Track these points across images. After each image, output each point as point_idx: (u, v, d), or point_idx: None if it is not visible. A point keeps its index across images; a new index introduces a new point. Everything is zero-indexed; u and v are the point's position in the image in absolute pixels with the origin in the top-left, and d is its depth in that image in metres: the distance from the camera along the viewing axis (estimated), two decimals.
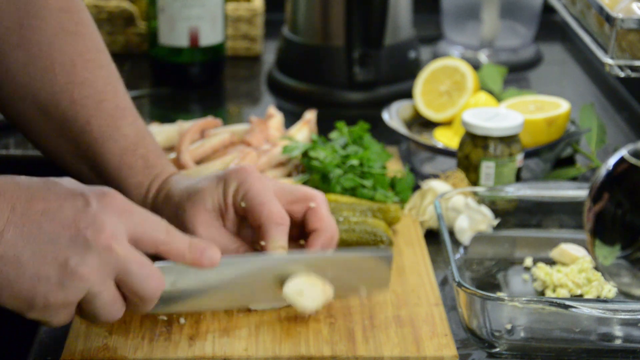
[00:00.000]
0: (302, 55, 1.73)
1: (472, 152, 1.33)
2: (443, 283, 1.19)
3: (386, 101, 1.60)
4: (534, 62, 1.92)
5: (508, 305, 1.05)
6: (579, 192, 1.27)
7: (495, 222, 1.27)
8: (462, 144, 1.35)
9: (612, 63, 1.26)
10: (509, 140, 1.33)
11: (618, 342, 1.07)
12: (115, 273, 0.93)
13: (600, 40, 1.31)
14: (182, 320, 1.08)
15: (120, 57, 1.85)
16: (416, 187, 1.36)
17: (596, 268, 1.17)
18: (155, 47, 1.74)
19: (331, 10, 1.69)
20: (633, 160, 1.11)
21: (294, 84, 1.73)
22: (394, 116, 1.51)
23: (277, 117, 1.44)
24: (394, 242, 1.23)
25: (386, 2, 1.64)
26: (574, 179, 1.43)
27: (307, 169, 1.33)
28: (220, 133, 1.40)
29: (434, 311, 1.11)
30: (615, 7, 1.25)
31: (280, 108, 1.54)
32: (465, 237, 1.25)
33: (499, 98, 1.57)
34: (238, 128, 1.42)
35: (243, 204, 1.10)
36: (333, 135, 1.38)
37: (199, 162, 1.37)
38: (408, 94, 1.63)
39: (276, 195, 1.11)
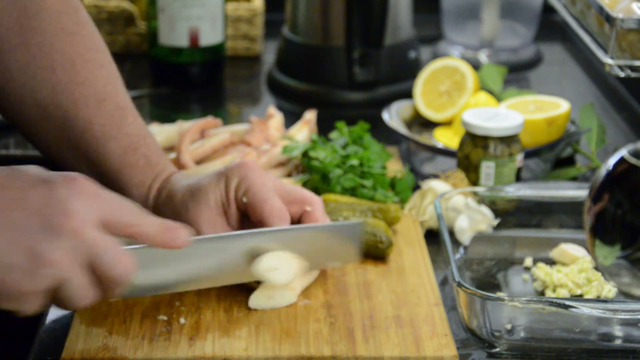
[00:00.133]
0: (302, 55, 1.73)
1: (472, 152, 1.33)
2: (443, 283, 1.19)
3: (386, 101, 1.60)
4: (534, 62, 1.92)
5: (508, 305, 1.05)
6: (579, 192, 1.27)
7: (495, 222, 1.27)
8: (462, 144, 1.35)
9: (612, 63, 1.26)
10: (509, 140, 1.33)
11: (618, 342, 1.07)
12: (85, 258, 0.92)
13: (600, 40, 1.31)
14: (182, 320, 1.08)
15: (120, 57, 1.85)
16: (416, 187, 1.36)
17: (596, 268, 1.17)
18: (155, 47, 1.74)
19: (331, 10, 1.69)
20: (633, 160, 1.11)
21: (294, 84, 1.73)
22: (394, 116, 1.51)
23: (277, 117, 1.44)
24: (394, 242, 1.23)
25: (386, 2, 1.64)
26: (574, 179, 1.43)
27: (307, 169, 1.33)
28: (220, 133, 1.40)
29: (434, 311, 1.11)
30: (615, 7, 1.25)
31: (280, 108, 1.54)
32: (465, 237, 1.25)
33: (499, 98, 1.57)
34: (238, 128, 1.42)
35: (245, 200, 1.10)
36: (333, 135, 1.38)
37: (199, 162, 1.37)
38: (408, 94, 1.63)
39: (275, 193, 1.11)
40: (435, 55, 1.88)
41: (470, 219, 1.26)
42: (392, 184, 1.33)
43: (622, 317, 1.04)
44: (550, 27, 2.05)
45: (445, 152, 1.44)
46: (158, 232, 0.97)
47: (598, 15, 1.30)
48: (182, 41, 1.72)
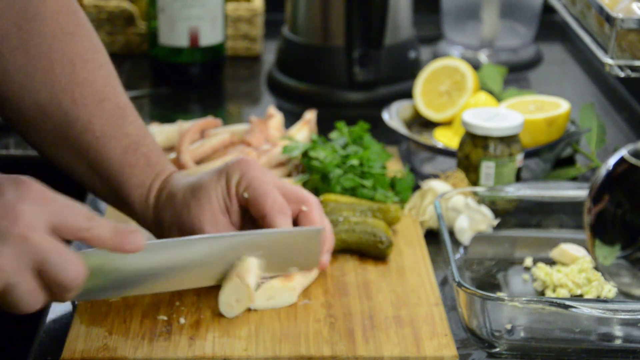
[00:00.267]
0: (302, 55, 1.73)
1: (472, 152, 1.33)
2: (443, 283, 1.19)
3: (386, 101, 1.60)
4: (534, 62, 1.92)
5: (508, 305, 1.05)
6: (579, 192, 1.27)
7: (495, 222, 1.27)
8: (462, 144, 1.35)
9: (612, 63, 1.26)
10: (509, 140, 1.33)
11: (618, 342, 1.07)
12: (33, 263, 0.92)
13: (600, 40, 1.31)
14: (182, 320, 1.08)
15: (120, 57, 1.85)
16: (416, 187, 1.36)
17: (596, 268, 1.17)
18: (155, 47, 1.74)
19: (331, 10, 1.69)
20: (633, 160, 1.11)
21: (294, 84, 1.73)
22: (394, 116, 1.51)
23: (277, 117, 1.44)
24: (394, 242, 1.23)
25: (386, 2, 1.64)
26: (574, 179, 1.43)
27: (307, 169, 1.33)
28: (220, 133, 1.40)
29: (434, 311, 1.11)
30: (615, 7, 1.25)
31: (280, 108, 1.54)
32: (465, 237, 1.25)
33: (499, 98, 1.57)
34: (238, 128, 1.42)
35: (246, 195, 1.11)
36: (333, 135, 1.38)
37: (199, 162, 1.37)
38: (408, 94, 1.63)
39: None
40: (435, 55, 1.88)
41: (470, 219, 1.26)
42: (392, 184, 1.33)
43: (622, 317, 1.04)
44: (550, 27, 2.05)
45: (445, 152, 1.44)
46: (110, 235, 0.97)
47: (598, 15, 1.30)
48: (182, 41, 1.72)
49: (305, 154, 1.34)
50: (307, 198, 1.13)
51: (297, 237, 1.10)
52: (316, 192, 1.31)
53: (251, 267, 1.08)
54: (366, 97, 1.70)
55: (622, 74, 1.26)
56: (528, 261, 1.23)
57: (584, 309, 1.03)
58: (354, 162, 1.31)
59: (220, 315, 1.09)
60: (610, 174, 1.12)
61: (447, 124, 1.53)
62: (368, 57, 1.68)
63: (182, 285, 1.10)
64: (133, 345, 1.04)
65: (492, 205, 1.28)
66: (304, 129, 1.44)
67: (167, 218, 1.14)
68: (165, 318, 1.08)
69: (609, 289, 1.16)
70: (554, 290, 1.16)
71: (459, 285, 1.06)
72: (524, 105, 1.46)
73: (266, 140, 1.40)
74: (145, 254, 1.01)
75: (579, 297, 1.15)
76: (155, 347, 1.04)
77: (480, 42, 1.89)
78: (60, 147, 1.15)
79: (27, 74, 1.12)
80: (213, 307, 1.10)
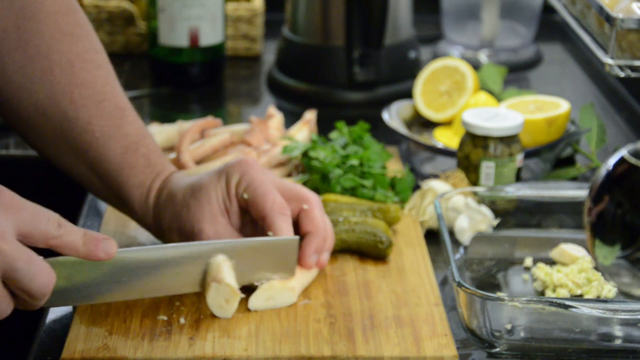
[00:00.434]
0: (302, 55, 1.73)
1: (472, 152, 1.33)
2: (443, 283, 1.19)
3: (386, 101, 1.60)
4: (534, 62, 1.92)
5: (508, 305, 1.05)
6: (579, 192, 1.27)
7: (495, 222, 1.27)
8: (462, 144, 1.35)
9: (612, 63, 1.26)
10: (509, 140, 1.33)
11: (618, 342, 1.07)
12: (1, 272, 0.92)
13: (600, 40, 1.31)
14: (182, 320, 1.08)
15: (120, 57, 1.85)
16: (416, 187, 1.36)
17: (596, 268, 1.17)
18: (155, 47, 1.74)
19: (331, 10, 1.69)
20: (633, 160, 1.11)
21: (294, 84, 1.73)
22: (394, 116, 1.51)
23: (277, 117, 1.44)
24: (394, 242, 1.23)
25: (386, 2, 1.64)
26: (574, 179, 1.43)
27: (307, 169, 1.33)
28: (220, 133, 1.40)
29: (434, 311, 1.11)
30: (615, 7, 1.25)
31: (280, 108, 1.54)
32: (465, 237, 1.25)
33: (499, 98, 1.57)
34: (238, 128, 1.42)
35: (246, 196, 1.11)
36: (333, 135, 1.38)
37: (199, 162, 1.37)
38: (408, 94, 1.63)
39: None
40: (435, 55, 1.88)
41: (470, 219, 1.26)
42: (392, 184, 1.33)
43: (622, 317, 1.04)
44: (550, 27, 2.05)
45: (445, 152, 1.44)
46: (82, 243, 0.97)
47: (598, 15, 1.30)
48: (182, 41, 1.72)
49: (305, 154, 1.34)
50: (308, 196, 1.13)
51: (272, 246, 1.10)
52: (316, 192, 1.31)
53: (222, 266, 1.08)
54: (366, 97, 1.70)
55: (622, 74, 1.26)
56: (528, 261, 1.23)
57: (584, 309, 1.03)
58: (354, 162, 1.31)
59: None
60: (610, 174, 1.12)
61: (447, 124, 1.53)
62: (368, 57, 1.68)
63: (159, 292, 1.09)
64: (133, 345, 1.04)
65: (492, 205, 1.28)
66: (304, 129, 1.44)
67: (166, 218, 1.14)
68: (165, 318, 1.08)
69: (609, 289, 1.16)
70: (554, 290, 1.16)
71: (459, 285, 1.06)
72: (524, 105, 1.46)
73: (266, 140, 1.40)
74: (116, 261, 1.01)
75: (579, 297, 1.15)
76: (155, 347, 1.04)
77: (480, 42, 1.89)
78: (59, 148, 1.15)
79: (26, 74, 1.12)
80: None
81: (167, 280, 1.07)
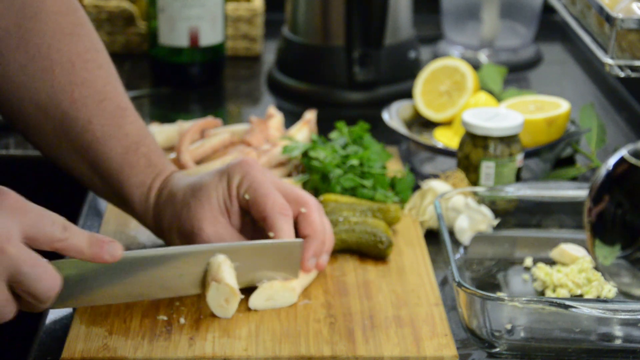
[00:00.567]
0: (302, 55, 1.73)
1: (472, 152, 1.33)
2: (443, 283, 1.19)
3: (386, 101, 1.60)
4: (534, 62, 1.92)
5: (508, 305, 1.05)
6: (579, 192, 1.27)
7: (495, 222, 1.27)
8: (462, 144, 1.35)
9: (612, 63, 1.26)
10: (509, 140, 1.33)
11: (618, 342, 1.07)
12: (7, 274, 0.92)
13: (600, 40, 1.31)
14: (182, 320, 1.08)
15: (120, 57, 1.85)
16: (416, 187, 1.36)
17: (596, 268, 1.17)
18: (155, 47, 1.74)
19: (331, 10, 1.69)
20: (633, 160, 1.11)
21: (294, 84, 1.73)
22: (394, 116, 1.51)
23: (277, 117, 1.44)
24: (394, 242, 1.23)
25: (386, 2, 1.64)
26: (574, 179, 1.43)
27: (307, 169, 1.33)
28: (220, 133, 1.40)
29: (434, 311, 1.11)
30: (615, 7, 1.25)
31: (280, 108, 1.54)
32: (465, 237, 1.25)
33: (499, 98, 1.57)
34: (238, 128, 1.42)
35: (247, 197, 1.11)
36: (333, 135, 1.38)
37: (199, 162, 1.37)
38: (408, 94, 1.63)
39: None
40: (435, 55, 1.88)
41: (470, 219, 1.25)
42: (392, 184, 1.33)
43: (622, 317, 1.04)
44: (550, 27, 2.05)
45: (445, 152, 1.44)
46: (87, 246, 0.97)
47: (598, 15, 1.30)
48: (182, 41, 1.72)
49: (305, 154, 1.34)
50: (307, 200, 1.13)
51: (276, 249, 1.10)
52: (316, 192, 1.31)
53: (222, 266, 1.08)
54: (366, 97, 1.70)
55: (622, 74, 1.26)
56: (528, 261, 1.23)
57: (584, 309, 1.03)
58: (354, 162, 1.31)
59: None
60: (610, 174, 1.12)
61: (447, 124, 1.53)
62: (368, 57, 1.68)
63: (160, 294, 1.09)
64: (133, 345, 1.04)
65: (492, 205, 1.28)
66: (304, 129, 1.44)
67: (167, 217, 1.14)
68: (165, 318, 1.08)
69: (609, 289, 1.16)
70: (554, 290, 1.16)
71: (459, 285, 1.06)
72: (524, 105, 1.46)
73: (266, 140, 1.40)
74: (120, 264, 1.01)
75: (579, 297, 1.15)
76: (155, 347, 1.04)
77: (480, 42, 1.89)
78: (60, 147, 1.15)
79: (27, 73, 1.12)
80: None
81: (169, 282, 1.08)
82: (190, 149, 1.36)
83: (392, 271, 1.18)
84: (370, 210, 1.25)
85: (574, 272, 1.17)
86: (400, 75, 1.71)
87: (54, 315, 1.11)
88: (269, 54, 1.89)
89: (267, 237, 1.11)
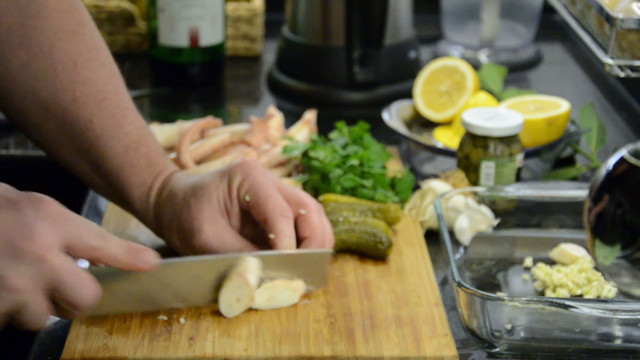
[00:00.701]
0: (302, 55, 1.73)
1: (472, 152, 1.33)
2: (443, 283, 1.19)
3: (386, 101, 1.60)
4: (534, 62, 1.92)
5: (508, 305, 1.05)
6: (579, 192, 1.27)
7: (495, 222, 1.27)
8: (462, 144, 1.35)
9: (612, 63, 1.26)
10: (509, 140, 1.33)
11: (618, 342, 1.07)
12: (47, 283, 0.93)
13: (600, 40, 1.31)
14: (182, 320, 1.08)
15: (120, 57, 1.85)
16: (416, 187, 1.36)
17: (596, 268, 1.17)
18: (155, 47, 1.74)
19: (331, 10, 1.69)
20: (633, 160, 1.11)
21: (294, 84, 1.73)
22: (394, 116, 1.51)
23: (277, 117, 1.44)
24: (394, 242, 1.23)
25: (386, 2, 1.64)
26: (574, 179, 1.43)
27: (307, 169, 1.33)
28: (220, 133, 1.40)
29: (434, 311, 1.11)
30: (615, 7, 1.25)
31: (280, 108, 1.54)
32: (465, 237, 1.25)
33: (499, 98, 1.57)
34: (238, 128, 1.42)
35: (247, 198, 1.11)
36: (333, 135, 1.38)
37: (199, 162, 1.37)
38: (408, 94, 1.63)
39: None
40: (435, 55, 1.88)
41: (470, 219, 1.25)
42: (392, 184, 1.33)
43: (622, 317, 1.04)
44: (550, 27, 2.05)
45: (445, 152, 1.44)
46: (123, 254, 0.98)
47: (598, 15, 1.30)
48: (182, 41, 1.72)
49: (305, 154, 1.34)
50: (307, 202, 1.13)
51: (304, 259, 1.11)
52: (316, 192, 1.31)
53: (252, 267, 1.08)
54: (366, 97, 1.70)
55: (622, 74, 1.26)
56: (528, 261, 1.23)
57: (584, 309, 1.03)
58: (354, 162, 1.31)
59: (220, 315, 1.09)
60: (610, 174, 1.12)
61: (447, 124, 1.53)
62: (368, 57, 1.68)
63: (185, 302, 1.09)
64: (133, 345, 1.04)
65: (492, 205, 1.28)
66: (304, 129, 1.44)
67: (166, 217, 1.14)
68: (165, 318, 1.08)
69: (609, 289, 1.16)
70: (554, 290, 1.16)
71: (459, 285, 1.06)
72: (524, 105, 1.46)
73: (266, 140, 1.40)
74: (156, 272, 1.02)
75: (579, 297, 1.15)
76: (155, 347, 1.04)
77: (480, 42, 1.89)
78: (61, 145, 1.15)
79: (29, 72, 1.12)
80: (213, 307, 1.10)
81: (197, 290, 1.08)
82: (190, 149, 1.36)
83: (392, 271, 1.18)
84: (370, 210, 1.25)
85: (574, 272, 1.17)
86: (400, 75, 1.71)
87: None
88: (269, 54, 1.89)
89: (267, 239, 1.11)
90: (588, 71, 1.89)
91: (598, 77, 1.85)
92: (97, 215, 1.31)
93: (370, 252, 1.20)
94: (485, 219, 1.26)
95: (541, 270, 1.18)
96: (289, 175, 1.37)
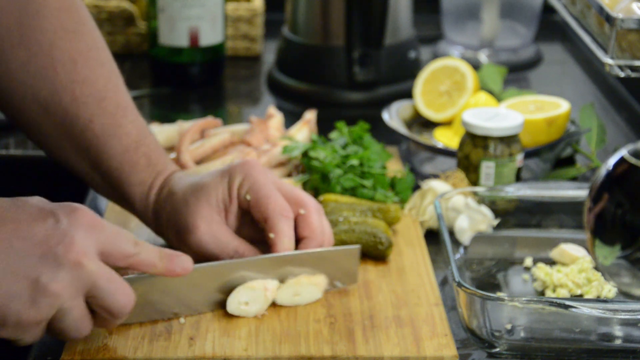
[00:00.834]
0: (302, 55, 1.73)
1: (472, 152, 1.33)
2: (443, 283, 1.19)
3: (386, 101, 1.60)
4: (534, 62, 1.92)
5: (508, 305, 1.05)
6: (579, 192, 1.27)
7: (495, 222, 1.27)
8: (462, 144, 1.35)
9: (612, 63, 1.26)
10: (509, 140, 1.33)
11: (618, 342, 1.07)
12: (85, 289, 0.94)
13: (600, 40, 1.31)
14: (182, 320, 1.08)
15: (120, 57, 1.85)
16: (416, 187, 1.36)
17: (596, 268, 1.17)
18: (155, 47, 1.74)
19: (331, 10, 1.69)
20: (633, 160, 1.11)
21: (294, 84, 1.73)
22: (394, 116, 1.51)
23: (277, 117, 1.44)
24: (394, 242, 1.23)
25: (386, 2, 1.64)
26: (574, 179, 1.43)
27: (307, 169, 1.33)
28: (220, 133, 1.40)
29: (434, 311, 1.11)
30: (615, 7, 1.25)
31: (280, 108, 1.54)
32: (465, 237, 1.25)
33: (499, 98, 1.57)
34: (238, 128, 1.42)
35: (248, 197, 1.11)
36: (333, 135, 1.38)
37: (199, 162, 1.37)
38: (408, 94, 1.63)
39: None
40: (435, 55, 1.88)
41: (470, 219, 1.26)
42: (392, 184, 1.33)
43: (622, 317, 1.04)
44: (550, 27, 2.05)
45: (445, 152, 1.44)
46: (158, 260, 0.99)
47: (598, 15, 1.30)
48: (182, 41, 1.72)
49: (305, 154, 1.34)
50: (306, 202, 1.13)
51: (333, 256, 1.11)
52: (316, 192, 1.31)
53: (270, 287, 1.09)
54: (366, 97, 1.70)
55: (622, 74, 1.26)
56: (528, 261, 1.23)
57: (584, 309, 1.03)
58: (354, 162, 1.31)
59: (220, 315, 1.09)
60: (610, 174, 1.12)
61: (447, 124, 1.53)
62: (368, 57, 1.68)
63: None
64: (133, 345, 1.04)
65: (492, 205, 1.28)
66: (304, 129, 1.44)
67: (165, 215, 1.14)
68: (165, 318, 1.08)
69: (609, 289, 1.16)
70: (554, 290, 1.16)
71: (459, 285, 1.06)
72: (524, 105, 1.46)
73: (266, 140, 1.40)
74: (190, 277, 1.03)
75: (579, 297, 1.15)
76: (155, 347, 1.04)
77: (480, 42, 1.89)
78: (61, 145, 1.15)
79: (29, 71, 1.12)
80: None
81: (227, 293, 1.09)
82: (190, 149, 1.36)
83: (392, 271, 1.18)
84: (370, 210, 1.25)
85: (574, 272, 1.17)
86: (400, 75, 1.71)
87: None
88: (269, 54, 1.89)
89: (267, 239, 1.11)
90: (588, 71, 1.89)
91: (598, 77, 1.85)
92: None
93: (370, 252, 1.20)
94: (485, 219, 1.26)
95: (541, 270, 1.18)
96: (289, 175, 1.37)
